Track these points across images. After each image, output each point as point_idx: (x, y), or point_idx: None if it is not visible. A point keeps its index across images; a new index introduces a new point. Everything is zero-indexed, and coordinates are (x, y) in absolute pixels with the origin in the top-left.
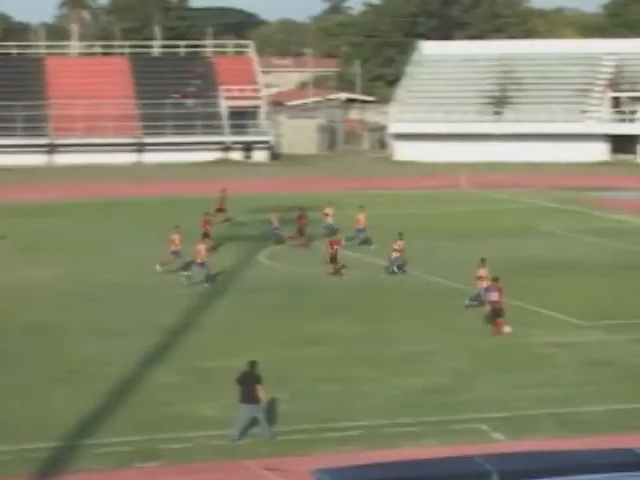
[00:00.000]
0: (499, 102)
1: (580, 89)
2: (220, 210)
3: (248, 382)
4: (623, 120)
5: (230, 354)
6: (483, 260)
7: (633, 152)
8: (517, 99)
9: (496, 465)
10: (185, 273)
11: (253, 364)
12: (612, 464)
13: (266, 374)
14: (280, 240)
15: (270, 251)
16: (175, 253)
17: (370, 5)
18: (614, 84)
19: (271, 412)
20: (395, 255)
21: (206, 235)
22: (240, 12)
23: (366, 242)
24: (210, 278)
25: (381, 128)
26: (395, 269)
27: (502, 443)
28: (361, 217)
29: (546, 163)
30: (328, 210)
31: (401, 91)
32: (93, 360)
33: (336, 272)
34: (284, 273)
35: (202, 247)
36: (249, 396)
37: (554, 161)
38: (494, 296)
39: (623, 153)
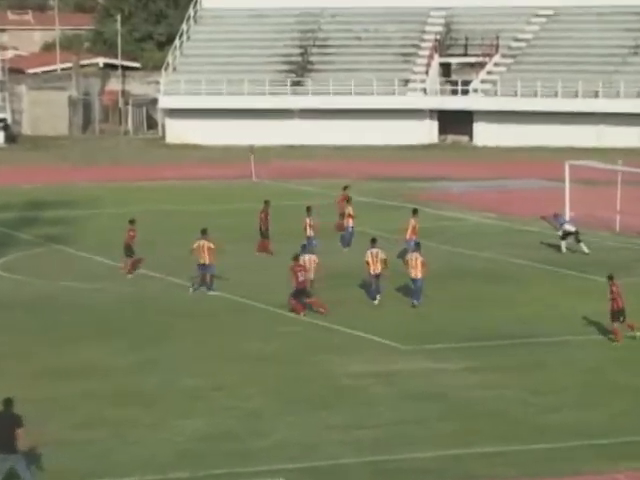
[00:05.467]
0: (300, 69)
1: (401, 53)
2: None
3: (2, 426)
4: (455, 92)
5: None
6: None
7: (467, 132)
8: (322, 65)
9: None
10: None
11: (8, 403)
12: None
13: None
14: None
15: (7, 260)
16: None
17: None
18: (443, 47)
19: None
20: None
21: None
22: None
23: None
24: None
25: (149, 102)
26: None
27: None
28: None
29: (360, 146)
30: (350, 210)
31: (175, 55)
32: None
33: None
34: (29, 288)
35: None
36: (4, 444)
37: (369, 144)
38: (301, 277)
39: (455, 134)
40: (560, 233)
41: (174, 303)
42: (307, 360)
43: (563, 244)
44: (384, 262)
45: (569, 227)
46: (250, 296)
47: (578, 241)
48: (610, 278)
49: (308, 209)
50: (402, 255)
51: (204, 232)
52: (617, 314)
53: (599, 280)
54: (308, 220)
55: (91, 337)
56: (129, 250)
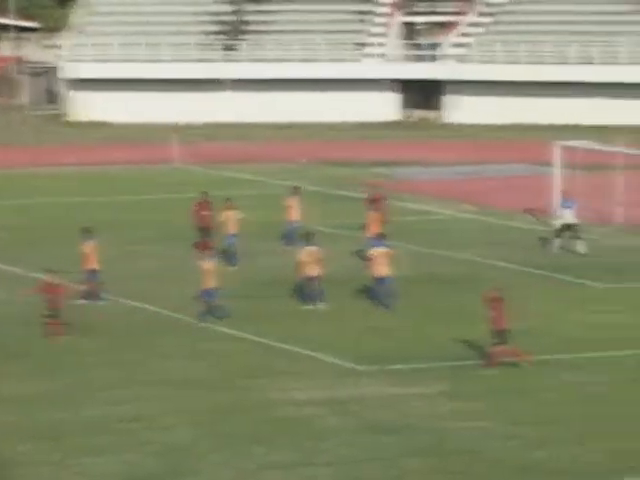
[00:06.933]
0: (232, 31)
1: (355, 11)
2: None
3: None
4: (421, 58)
5: None
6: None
7: (437, 107)
8: (259, 26)
9: None
10: None
11: None
12: None
13: None
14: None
15: None
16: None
17: None
18: (406, 3)
19: None
20: None
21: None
22: None
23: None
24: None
25: (49, 71)
26: None
27: None
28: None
29: (307, 124)
30: (295, 202)
31: (81, 13)
32: None
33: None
34: None
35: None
36: None
37: (318, 121)
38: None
39: (422, 108)
40: (557, 224)
41: (78, 317)
42: (242, 384)
43: (556, 242)
44: (320, 262)
45: (571, 218)
46: (171, 307)
47: (577, 237)
48: (498, 291)
49: (227, 200)
50: (361, 253)
51: (88, 231)
52: (501, 334)
53: (600, 287)
54: (227, 214)
55: None
56: None
